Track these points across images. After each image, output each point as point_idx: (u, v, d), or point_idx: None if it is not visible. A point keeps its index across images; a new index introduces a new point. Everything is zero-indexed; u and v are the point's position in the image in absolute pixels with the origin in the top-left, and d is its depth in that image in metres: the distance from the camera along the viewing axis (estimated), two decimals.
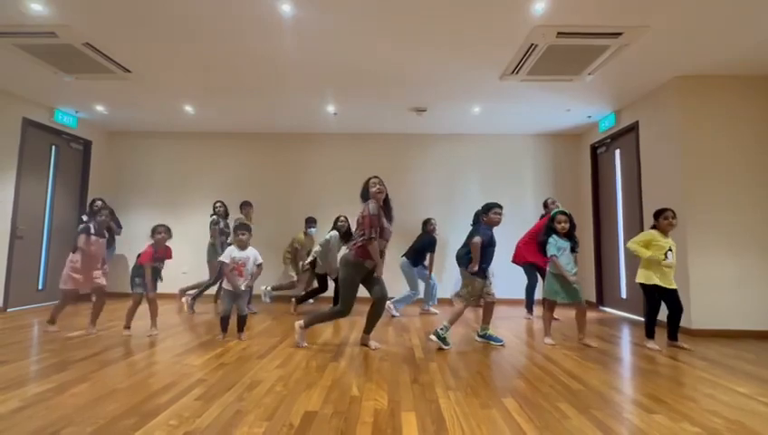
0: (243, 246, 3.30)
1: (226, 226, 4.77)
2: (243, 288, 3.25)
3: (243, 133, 5.97)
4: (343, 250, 3.38)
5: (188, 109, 5.00)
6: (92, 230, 3.46)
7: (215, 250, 4.56)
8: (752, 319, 3.63)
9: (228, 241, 4.73)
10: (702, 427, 1.74)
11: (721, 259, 3.69)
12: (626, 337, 3.58)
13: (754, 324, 3.62)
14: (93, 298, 3.54)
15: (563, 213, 3.30)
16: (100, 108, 5.02)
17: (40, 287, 4.95)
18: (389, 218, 3.07)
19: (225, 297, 3.28)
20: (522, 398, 2.04)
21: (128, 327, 3.39)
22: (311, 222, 5.11)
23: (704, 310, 3.64)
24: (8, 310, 4.45)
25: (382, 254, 3.03)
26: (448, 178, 5.83)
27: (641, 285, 3.19)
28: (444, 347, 3.01)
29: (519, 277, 4.65)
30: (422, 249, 4.65)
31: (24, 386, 2.12)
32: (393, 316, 4.44)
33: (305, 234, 5.04)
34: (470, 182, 5.74)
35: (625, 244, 4.79)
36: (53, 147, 5.15)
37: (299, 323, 3.05)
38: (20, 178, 4.61)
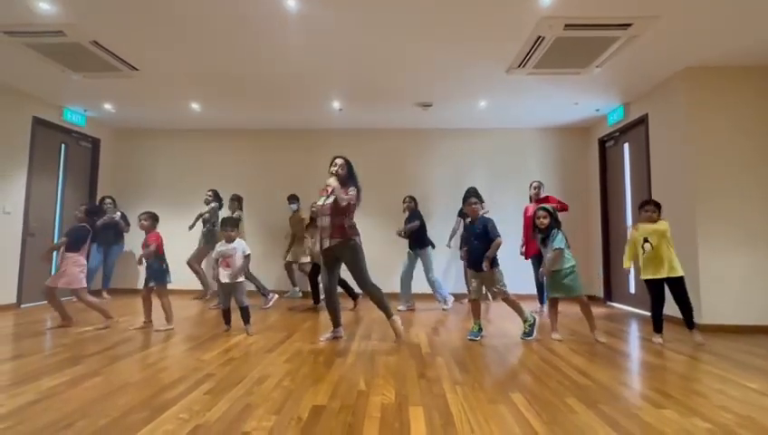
0: (229, 241, 3.36)
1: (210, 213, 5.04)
2: (226, 280, 3.29)
3: (249, 130, 5.99)
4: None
5: (195, 106, 5.02)
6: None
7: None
8: (763, 314, 3.57)
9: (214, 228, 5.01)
10: (712, 422, 1.72)
11: (731, 253, 3.64)
12: (634, 332, 3.55)
13: (766, 319, 3.57)
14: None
15: (543, 209, 3.28)
16: (108, 106, 5.06)
17: None
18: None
19: (219, 291, 3.41)
20: (529, 393, 2.04)
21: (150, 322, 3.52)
22: (292, 199, 5.24)
23: (713, 304, 3.60)
24: (22, 306, 4.54)
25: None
26: (455, 174, 5.80)
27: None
28: (469, 337, 3.18)
29: (525, 272, 4.61)
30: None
31: (39, 380, 2.17)
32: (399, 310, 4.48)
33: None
34: (477, 177, 5.70)
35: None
36: (63, 145, 5.21)
37: (393, 320, 3.07)
38: (31, 176, 4.68)
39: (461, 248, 3.45)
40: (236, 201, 5.00)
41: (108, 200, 5.16)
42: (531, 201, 4.49)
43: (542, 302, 4.49)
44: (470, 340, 3.14)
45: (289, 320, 3.92)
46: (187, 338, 3.15)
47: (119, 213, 5.19)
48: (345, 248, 3.00)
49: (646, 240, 3.12)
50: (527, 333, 3.19)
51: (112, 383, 2.12)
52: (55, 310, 3.52)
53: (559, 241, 3.17)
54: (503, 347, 2.97)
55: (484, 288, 3.30)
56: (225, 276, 3.29)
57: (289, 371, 2.36)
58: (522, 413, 1.79)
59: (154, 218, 3.54)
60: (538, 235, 3.29)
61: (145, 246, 3.43)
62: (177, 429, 1.61)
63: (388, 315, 3.07)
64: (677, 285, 3.07)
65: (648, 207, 3.17)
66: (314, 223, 4.40)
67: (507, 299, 3.18)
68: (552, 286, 3.24)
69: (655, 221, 3.13)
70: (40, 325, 3.61)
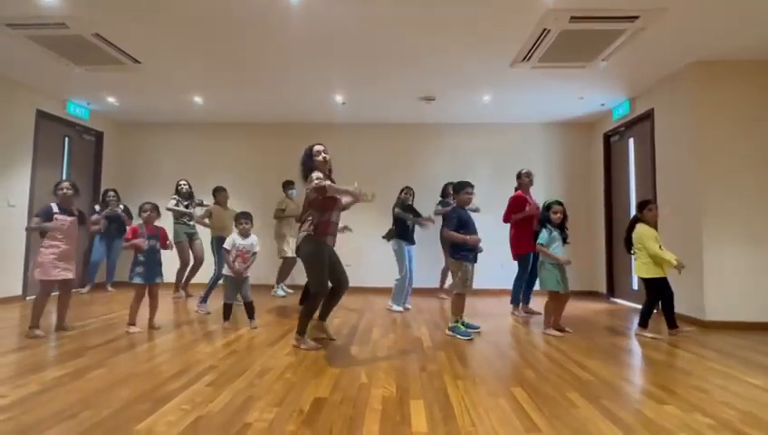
0: (245, 234, 3.36)
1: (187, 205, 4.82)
2: (246, 275, 3.33)
3: (251, 124, 5.98)
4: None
5: (197, 99, 5.01)
6: (55, 209, 2.99)
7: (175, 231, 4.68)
8: (766, 311, 3.54)
9: (190, 222, 4.81)
10: (714, 418, 1.72)
11: (736, 249, 3.61)
12: (635, 328, 3.53)
13: None
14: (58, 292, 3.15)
15: (559, 203, 3.27)
16: (111, 99, 5.06)
17: None
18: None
19: (229, 284, 3.31)
20: (530, 387, 2.04)
21: (132, 324, 3.12)
22: (289, 185, 5.06)
23: (717, 301, 3.57)
24: (27, 298, 4.58)
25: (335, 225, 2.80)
26: (458, 168, 5.76)
27: (650, 279, 3.19)
28: (467, 338, 3.00)
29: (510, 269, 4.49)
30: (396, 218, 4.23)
31: (43, 371, 2.19)
32: (397, 311, 4.13)
33: (288, 197, 5.07)
34: (480, 172, 5.66)
35: (638, 234, 4.71)
36: (66, 138, 5.22)
37: (294, 337, 2.76)
38: (35, 169, 4.69)
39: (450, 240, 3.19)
40: (224, 191, 4.63)
41: (111, 193, 5.16)
42: (526, 190, 4.14)
43: (516, 303, 4.08)
44: (469, 340, 3.01)
45: (290, 314, 3.93)
46: (189, 332, 3.17)
47: (122, 206, 5.19)
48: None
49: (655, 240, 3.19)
50: (460, 331, 3.08)
51: (115, 375, 2.14)
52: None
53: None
54: (503, 342, 2.97)
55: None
56: (244, 271, 3.29)
57: (290, 363, 2.37)
58: (522, 407, 1.79)
59: (157, 211, 3.40)
60: (552, 229, 3.22)
61: (141, 235, 3.19)
62: (180, 420, 1.63)
63: (300, 332, 2.71)
64: (668, 283, 3.18)
65: (652, 205, 3.24)
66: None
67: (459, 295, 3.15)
68: (559, 280, 3.19)
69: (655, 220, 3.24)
70: (44, 317, 3.63)
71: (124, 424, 1.58)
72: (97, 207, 5.06)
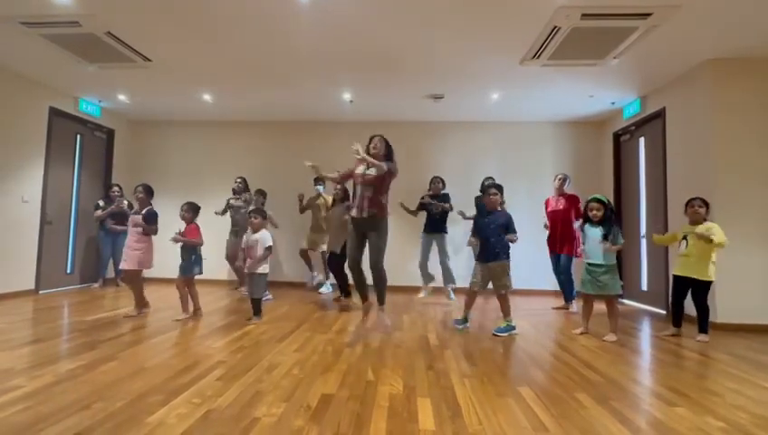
0: (254, 229, 3.39)
1: (238, 200, 4.99)
2: (254, 271, 3.34)
3: (260, 121, 6.01)
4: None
5: (207, 97, 5.05)
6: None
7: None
8: None
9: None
10: (726, 421, 1.69)
11: (750, 252, 3.55)
12: (646, 330, 3.50)
13: None
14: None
15: (596, 200, 3.14)
16: (122, 97, 5.12)
17: (68, 271, 5.16)
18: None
19: (247, 280, 3.50)
20: (538, 387, 2.03)
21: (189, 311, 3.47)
22: (318, 181, 5.13)
23: (730, 303, 3.52)
24: (40, 292, 4.66)
25: None
26: (465, 167, 5.74)
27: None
28: (514, 332, 3.16)
29: (541, 267, 4.55)
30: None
31: (57, 363, 2.23)
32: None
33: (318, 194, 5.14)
34: (488, 171, 5.61)
35: (647, 235, 4.67)
36: (78, 135, 5.30)
37: (377, 310, 3.19)
38: (48, 165, 4.77)
39: (472, 236, 3.37)
40: (262, 196, 4.94)
41: (115, 188, 5.22)
42: (556, 194, 4.42)
43: (569, 300, 4.31)
44: (459, 329, 3.24)
45: (299, 310, 3.96)
46: (199, 326, 3.21)
47: (126, 202, 5.24)
48: (381, 220, 3.03)
49: (684, 238, 3.16)
50: (503, 329, 3.13)
51: (128, 368, 2.17)
52: (136, 294, 3.51)
53: (621, 237, 3.08)
54: (512, 342, 2.96)
55: (490, 283, 3.24)
56: (248, 267, 3.36)
57: (298, 360, 2.39)
58: (530, 407, 1.78)
59: (195, 210, 3.51)
60: (589, 227, 3.14)
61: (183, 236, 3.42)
62: (190, 412, 1.65)
63: (381, 302, 3.20)
64: (697, 289, 3.11)
65: (693, 202, 3.18)
66: (336, 205, 4.42)
67: (505, 296, 3.17)
68: (584, 281, 3.13)
69: (700, 221, 3.14)
70: (58, 311, 3.71)
71: (136, 415, 1.61)
72: (100, 202, 5.13)
